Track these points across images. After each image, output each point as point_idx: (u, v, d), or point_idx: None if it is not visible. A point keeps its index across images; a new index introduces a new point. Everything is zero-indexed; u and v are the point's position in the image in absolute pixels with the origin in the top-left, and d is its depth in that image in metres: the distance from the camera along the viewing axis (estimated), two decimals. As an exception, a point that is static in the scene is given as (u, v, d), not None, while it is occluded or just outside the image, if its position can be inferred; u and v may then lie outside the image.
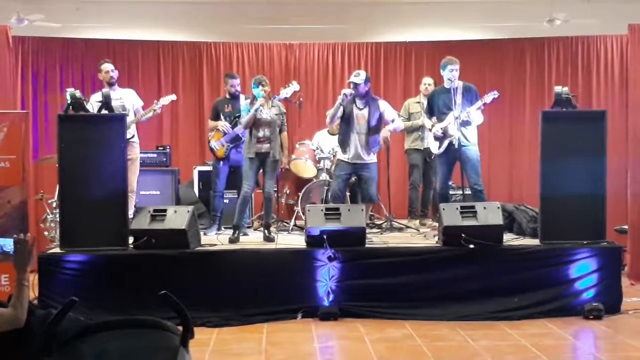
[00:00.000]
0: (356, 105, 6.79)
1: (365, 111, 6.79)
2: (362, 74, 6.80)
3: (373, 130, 6.82)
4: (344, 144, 6.87)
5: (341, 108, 6.76)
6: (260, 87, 6.81)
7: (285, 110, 7.14)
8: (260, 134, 6.79)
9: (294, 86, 7.14)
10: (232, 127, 7.42)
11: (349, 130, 6.80)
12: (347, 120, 6.79)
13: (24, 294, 2.95)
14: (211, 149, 7.67)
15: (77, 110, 6.11)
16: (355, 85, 6.72)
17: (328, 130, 8.22)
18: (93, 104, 6.82)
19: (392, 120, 7.04)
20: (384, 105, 6.92)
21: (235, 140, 7.43)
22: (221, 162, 7.58)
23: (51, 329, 2.56)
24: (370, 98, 6.86)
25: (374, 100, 6.89)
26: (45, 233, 7.45)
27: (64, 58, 9.39)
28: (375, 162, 7.02)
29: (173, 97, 7.63)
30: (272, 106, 6.91)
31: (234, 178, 7.55)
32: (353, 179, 7.26)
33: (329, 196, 7.21)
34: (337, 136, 7.11)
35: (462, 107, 6.81)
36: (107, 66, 7.27)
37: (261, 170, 6.96)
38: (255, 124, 6.78)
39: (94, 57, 9.21)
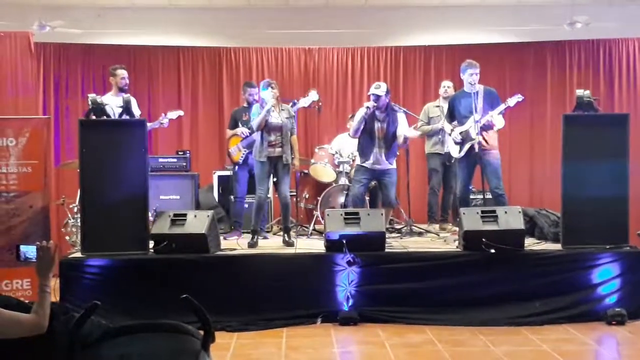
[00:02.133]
0: (376, 118, 6.79)
1: (385, 123, 6.81)
2: (383, 86, 6.83)
3: (392, 141, 6.86)
4: (364, 153, 6.89)
5: (363, 121, 6.78)
6: (270, 89, 6.81)
7: (294, 114, 7.13)
8: (272, 137, 6.79)
9: (313, 96, 7.27)
10: (250, 134, 7.47)
11: (370, 142, 6.81)
12: (368, 132, 6.81)
13: (46, 301, 2.96)
14: (228, 154, 7.76)
15: (99, 116, 6.16)
16: (377, 97, 6.73)
17: (349, 133, 8.22)
18: (113, 108, 6.86)
19: (401, 136, 6.95)
20: (401, 119, 6.94)
21: (252, 146, 7.48)
22: (239, 167, 7.63)
23: (74, 332, 2.57)
24: (391, 109, 6.88)
25: (393, 111, 6.91)
26: (67, 238, 7.50)
27: (85, 64, 9.48)
28: (395, 167, 7.02)
29: (181, 112, 7.82)
30: (281, 110, 6.90)
31: (254, 183, 7.58)
32: (372, 183, 7.26)
33: (349, 200, 7.19)
34: (356, 143, 7.11)
35: (483, 111, 6.76)
36: (124, 72, 7.34)
37: (275, 177, 6.97)
38: (266, 127, 6.77)
39: (114, 63, 9.21)
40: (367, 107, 6.73)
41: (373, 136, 6.80)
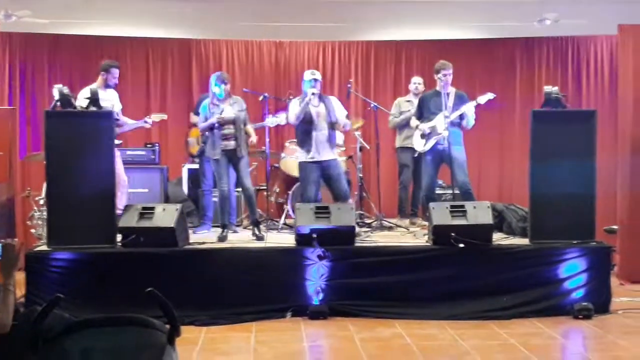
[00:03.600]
0: (312, 104, 6.76)
1: (322, 107, 6.80)
2: (318, 73, 6.90)
3: (332, 125, 6.84)
4: (305, 143, 6.78)
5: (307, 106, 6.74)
6: (224, 85, 6.75)
7: (246, 106, 7.05)
8: (226, 131, 6.73)
9: (280, 119, 7.31)
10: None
11: (309, 128, 6.75)
12: (307, 119, 6.75)
13: (9, 299, 2.92)
14: (186, 143, 7.67)
15: (65, 107, 6.06)
16: (317, 81, 6.76)
17: (288, 121, 8.13)
18: (82, 101, 6.73)
19: (341, 121, 6.95)
20: (335, 104, 6.93)
21: None
22: (205, 160, 7.55)
23: (36, 325, 2.52)
24: (322, 95, 6.91)
25: (325, 97, 6.93)
26: (32, 230, 7.39)
27: (52, 54, 9.32)
28: (337, 159, 7.01)
29: (164, 116, 7.74)
30: (233, 102, 6.85)
31: None
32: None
33: (303, 202, 6.83)
34: (296, 137, 7.04)
35: (453, 111, 6.83)
36: (117, 72, 7.14)
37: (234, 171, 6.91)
38: (222, 122, 6.71)
39: (82, 53, 9.17)
40: (313, 94, 6.68)
41: (312, 121, 6.74)
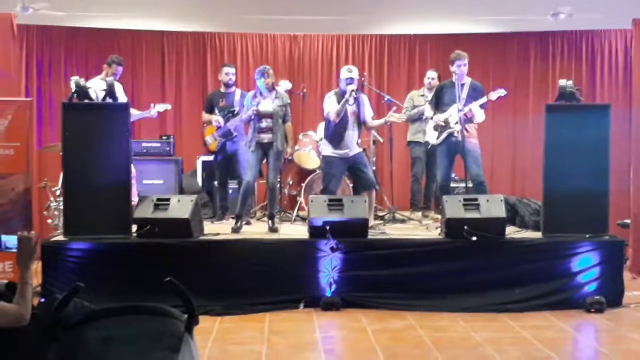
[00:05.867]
0: (347, 101, 6.78)
1: (355, 107, 6.82)
2: (355, 69, 6.87)
3: (361, 124, 6.90)
4: (335, 139, 6.82)
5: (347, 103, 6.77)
6: (263, 78, 6.81)
7: (289, 101, 7.13)
8: (263, 124, 6.79)
9: (285, 85, 7.46)
10: (225, 122, 7.48)
11: (343, 126, 6.78)
12: (342, 117, 6.77)
13: (27, 292, 2.93)
14: (204, 143, 7.74)
15: (82, 99, 6.12)
16: (353, 80, 6.75)
17: (329, 118, 8.20)
18: (96, 91, 6.81)
19: (369, 120, 7.01)
20: (366, 100, 6.98)
21: (227, 135, 7.50)
22: (218, 155, 7.63)
23: (56, 313, 2.57)
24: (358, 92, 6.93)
25: (358, 93, 6.93)
26: (49, 221, 7.45)
27: (69, 46, 9.38)
28: (362, 150, 7.11)
29: (168, 106, 7.85)
30: (275, 97, 6.90)
31: (232, 168, 7.58)
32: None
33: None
34: (326, 132, 7.06)
35: (467, 103, 6.83)
36: (120, 69, 7.39)
37: (264, 161, 6.98)
38: (258, 114, 6.78)
39: (98, 46, 9.23)
40: (353, 91, 6.69)
41: (346, 120, 6.77)
